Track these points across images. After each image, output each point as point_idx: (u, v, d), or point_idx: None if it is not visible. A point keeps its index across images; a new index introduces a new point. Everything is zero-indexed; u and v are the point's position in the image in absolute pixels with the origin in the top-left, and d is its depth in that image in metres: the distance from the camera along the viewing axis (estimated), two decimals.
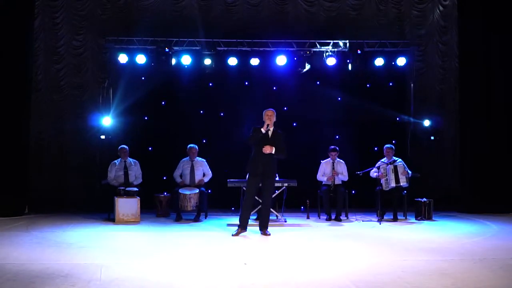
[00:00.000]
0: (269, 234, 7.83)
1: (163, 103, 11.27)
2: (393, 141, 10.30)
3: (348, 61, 10.86)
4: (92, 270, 5.37)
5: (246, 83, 11.30)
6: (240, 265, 5.74)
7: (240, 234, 7.80)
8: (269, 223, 8.19)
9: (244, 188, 9.27)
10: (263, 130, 7.76)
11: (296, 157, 11.11)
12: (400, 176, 9.39)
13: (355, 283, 5.00)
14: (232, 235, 7.79)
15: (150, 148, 11.18)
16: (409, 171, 9.54)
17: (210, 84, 11.28)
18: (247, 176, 8.13)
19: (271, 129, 7.89)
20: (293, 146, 11.20)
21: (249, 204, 7.95)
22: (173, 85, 11.16)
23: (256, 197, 8.40)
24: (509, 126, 10.42)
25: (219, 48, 10.90)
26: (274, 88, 11.27)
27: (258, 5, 11.24)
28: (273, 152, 7.79)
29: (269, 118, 7.85)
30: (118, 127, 10.95)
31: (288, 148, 8.09)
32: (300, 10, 11.29)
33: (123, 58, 10.80)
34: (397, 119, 11.33)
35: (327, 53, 10.83)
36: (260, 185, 8.00)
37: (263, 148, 7.74)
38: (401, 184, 9.41)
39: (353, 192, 10.59)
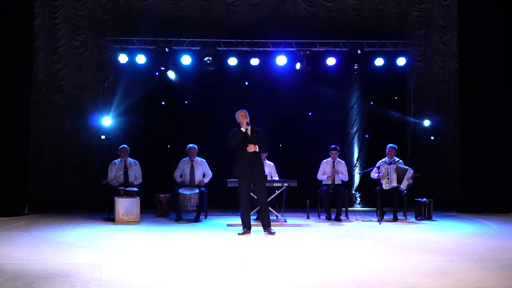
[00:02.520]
0: (274, 233, 7.86)
1: (162, 103, 11.29)
2: (393, 141, 10.28)
3: (355, 66, 10.87)
4: (92, 270, 5.36)
5: (246, 83, 11.30)
6: (240, 265, 5.73)
7: (244, 234, 7.88)
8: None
9: None
10: (243, 129, 7.87)
11: (296, 157, 11.16)
12: (404, 180, 9.36)
13: (355, 283, 5.00)
14: (238, 233, 7.86)
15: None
16: (412, 180, 9.52)
17: (210, 84, 11.28)
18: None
19: (249, 128, 7.97)
20: (293, 146, 11.29)
21: (246, 204, 7.99)
22: (173, 85, 11.16)
23: (253, 195, 8.45)
24: (509, 126, 10.41)
25: (219, 48, 10.90)
26: (274, 88, 11.26)
27: (258, 5, 11.24)
28: (257, 149, 7.86)
29: (246, 117, 7.94)
30: (118, 127, 10.95)
31: (270, 144, 8.39)
32: (300, 10, 11.29)
33: (123, 58, 10.80)
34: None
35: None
36: (252, 185, 8.09)
37: (247, 147, 7.81)
38: (401, 187, 9.40)
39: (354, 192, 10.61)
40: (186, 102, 11.37)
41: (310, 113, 11.43)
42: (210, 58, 10.71)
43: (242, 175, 7.93)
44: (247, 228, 7.94)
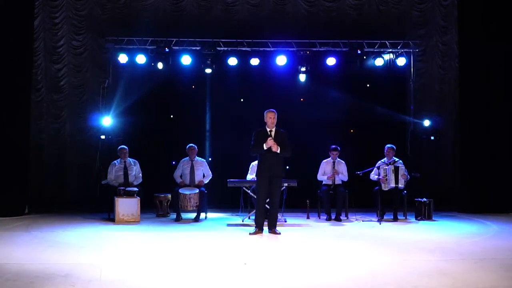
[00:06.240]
0: (279, 233, 7.87)
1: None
2: (393, 141, 10.29)
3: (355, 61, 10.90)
4: (92, 270, 5.36)
5: (246, 83, 11.29)
6: (240, 265, 5.73)
7: (246, 234, 7.87)
8: None
9: (244, 188, 9.30)
10: (265, 147, 7.80)
11: (296, 157, 11.11)
12: (400, 178, 9.38)
13: (355, 283, 5.00)
14: (250, 233, 7.87)
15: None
16: (408, 175, 9.54)
17: (210, 84, 11.29)
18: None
19: (273, 129, 7.93)
20: (293, 146, 11.26)
21: (262, 206, 8.00)
22: (173, 85, 11.16)
23: (252, 194, 8.44)
24: (509, 126, 10.41)
25: (219, 48, 10.91)
26: (274, 88, 11.25)
27: (258, 5, 11.24)
28: (278, 151, 7.82)
29: (271, 119, 7.90)
30: (118, 127, 10.95)
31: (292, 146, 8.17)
32: (300, 10, 11.30)
33: (123, 58, 10.81)
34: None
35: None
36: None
37: (265, 143, 7.77)
38: (399, 186, 9.41)
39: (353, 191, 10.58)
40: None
41: (309, 113, 11.40)
42: (209, 61, 10.77)
43: (261, 176, 7.91)
44: (259, 228, 7.93)
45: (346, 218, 9.70)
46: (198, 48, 10.85)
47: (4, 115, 9.50)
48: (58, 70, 11.16)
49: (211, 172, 9.88)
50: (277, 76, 11.18)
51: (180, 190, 9.32)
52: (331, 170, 9.77)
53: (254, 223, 8.24)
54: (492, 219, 9.44)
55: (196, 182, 9.62)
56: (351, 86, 11.30)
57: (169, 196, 9.77)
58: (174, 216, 9.42)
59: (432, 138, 11.47)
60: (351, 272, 5.46)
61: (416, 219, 9.58)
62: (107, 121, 10.75)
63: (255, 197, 8.33)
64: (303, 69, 11.01)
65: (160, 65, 10.81)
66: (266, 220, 8.04)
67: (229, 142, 11.04)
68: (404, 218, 9.66)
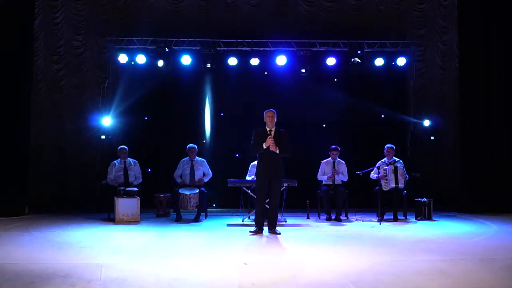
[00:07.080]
0: (279, 233, 7.88)
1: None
2: (393, 141, 10.30)
3: (352, 60, 10.88)
4: (92, 270, 5.37)
5: (246, 83, 11.29)
6: (240, 265, 5.73)
7: (246, 234, 7.88)
8: None
9: (244, 188, 9.30)
10: (264, 146, 7.84)
11: (296, 157, 11.10)
12: (399, 177, 9.39)
13: (355, 283, 5.00)
14: (250, 232, 7.92)
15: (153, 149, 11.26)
16: (406, 175, 9.55)
17: (210, 84, 11.29)
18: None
19: (273, 129, 7.93)
20: (293, 146, 11.25)
21: (262, 206, 8.01)
22: (173, 85, 11.17)
23: (252, 194, 8.44)
24: (509, 125, 10.42)
25: (219, 48, 10.91)
26: (274, 88, 11.25)
27: (258, 5, 11.24)
28: (277, 151, 7.82)
29: (271, 118, 7.92)
30: (118, 127, 10.95)
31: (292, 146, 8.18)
32: (300, 10, 11.29)
33: (123, 58, 10.82)
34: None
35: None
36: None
37: (265, 142, 7.79)
38: (399, 185, 9.41)
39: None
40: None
41: (309, 113, 11.40)
42: (209, 64, 10.78)
43: (261, 176, 7.93)
44: (259, 228, 7.95)
45: (346, 218, 9.70)
46: (198, 48, 10.86)
47: (4, 115, 9.50)
48: (58, 70, 11.16)
49: (211, 171, 9.88)
50: (277, 76, 11.18)
51: (180, 190, 9.32)
52: (331, 170, 9.77)
53: (254, 223, 8.25)
54: (492, 219, 9.44)
55: (196, 182, 9.62)
56: (351, 86, 11.30)
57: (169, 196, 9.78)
58: (174, 216, 9.42)
59: (432, 138, 11.48)
60: (351, 272, 5.46)
61: (416, 219, 9.58)
62: (107, 121, 10.75)
63: (255, 197, 8.34)
64: (303, 70, 11.01)
65: (160, 63, 10.80)
66: (266, 220, 8.04)
67: (229, 142, 11.05)
68: (404, 218, 9.65)
